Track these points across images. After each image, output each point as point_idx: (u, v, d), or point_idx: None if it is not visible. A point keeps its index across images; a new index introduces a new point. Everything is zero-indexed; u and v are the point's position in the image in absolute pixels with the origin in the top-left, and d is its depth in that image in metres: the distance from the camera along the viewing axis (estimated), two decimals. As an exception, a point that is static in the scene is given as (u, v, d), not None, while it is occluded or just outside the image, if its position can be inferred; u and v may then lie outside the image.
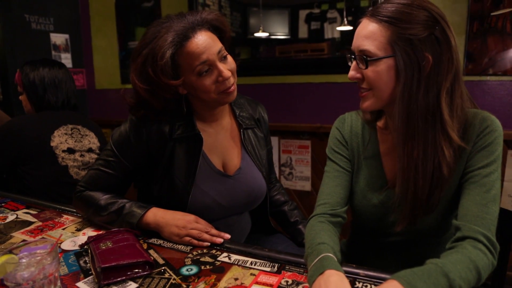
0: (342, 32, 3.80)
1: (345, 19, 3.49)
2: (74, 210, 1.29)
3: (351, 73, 0.93)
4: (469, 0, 2.05)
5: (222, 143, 1.21)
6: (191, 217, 1.08)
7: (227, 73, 1.05)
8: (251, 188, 1.21)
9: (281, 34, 4.19)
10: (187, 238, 1.04)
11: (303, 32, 4.17)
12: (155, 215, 1.09)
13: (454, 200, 0.93)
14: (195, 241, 1.04)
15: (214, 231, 1.07)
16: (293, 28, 4.18)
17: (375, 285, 0.82)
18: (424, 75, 0.85)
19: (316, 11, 4.03)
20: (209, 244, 1.04)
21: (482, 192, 0.84)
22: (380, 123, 1.04)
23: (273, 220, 1.38)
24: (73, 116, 1.73)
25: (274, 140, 2.75)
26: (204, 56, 1.03)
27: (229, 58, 1.10)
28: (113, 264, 0.85)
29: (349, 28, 3.47)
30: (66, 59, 3.12)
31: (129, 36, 3.11)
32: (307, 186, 2.71)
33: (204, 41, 1.04)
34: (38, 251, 0.84)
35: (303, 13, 4.13)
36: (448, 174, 0.88)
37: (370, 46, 0.87)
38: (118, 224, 1.10)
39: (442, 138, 0.87)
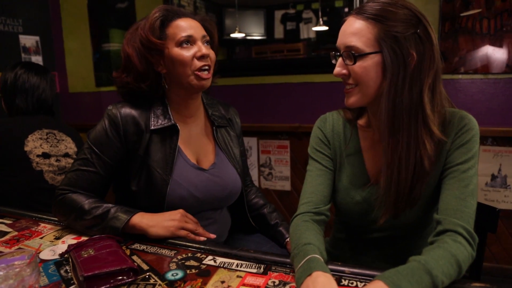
0: (317, 32, 3.84)
1: (320, 19, 3.52)
2: (52, 218, 1.25)
3: (337, 69, 0.94)
4: (440, 1, 2.12)
5: (197, 139, 1.24)
6: (180, 211, 1.11)
7: (206, 51, 1.13)
8: (225, 182, 1.23)
9: (257, 34, 4.20)
10: (183, 232, 1.06)
11: (279, 32, 4.19)
12: (142, 217, 1.08)
13: (434, 196, 0.96)
14: (192, 235, 1.07)
15: (201, 229, 1.11)
16: (269, 29, 4.20)
17: (361, 282, 0.83)
18: (409, 71, 0.87)
19: (292, 11, 4.06)
20: (206, 238, 1.07)
21: (461, 187, 0.87)
22: (361, 121, 1.06)
23: (253, 223, 1.38)
24: (49, 121, 1.68)
25: (253, 141, 2.76)
26: (189, 32, 1.13)
27: (212, 50, 1.19)
28: (96, 272, 0.83)
29: (325, 28, 3.51)
30: (37, 61, 3.00)
31: (102, 38, 3.03)
32: (287, 186, 2.72)
33: (192, 23, 1.16)
34: (16, 263, 0.80)
35: (278, 14, 4.15)
36: (429, 167, 0.91)
37: (357, 42, 0.89)
38: (101, 228, 1.07)
39: (424, 132, 0.90)
